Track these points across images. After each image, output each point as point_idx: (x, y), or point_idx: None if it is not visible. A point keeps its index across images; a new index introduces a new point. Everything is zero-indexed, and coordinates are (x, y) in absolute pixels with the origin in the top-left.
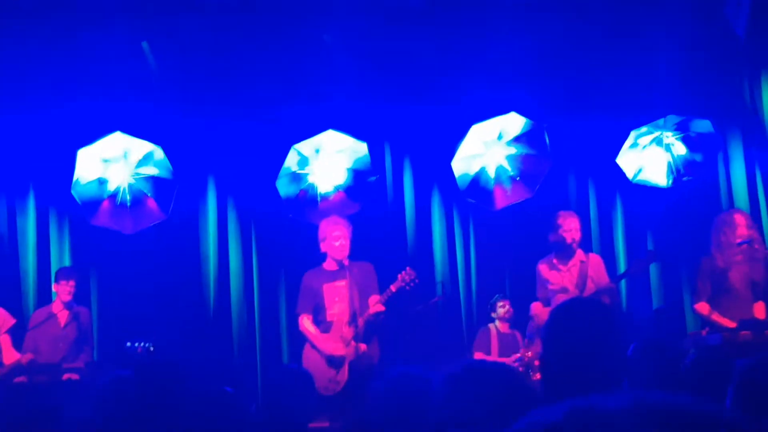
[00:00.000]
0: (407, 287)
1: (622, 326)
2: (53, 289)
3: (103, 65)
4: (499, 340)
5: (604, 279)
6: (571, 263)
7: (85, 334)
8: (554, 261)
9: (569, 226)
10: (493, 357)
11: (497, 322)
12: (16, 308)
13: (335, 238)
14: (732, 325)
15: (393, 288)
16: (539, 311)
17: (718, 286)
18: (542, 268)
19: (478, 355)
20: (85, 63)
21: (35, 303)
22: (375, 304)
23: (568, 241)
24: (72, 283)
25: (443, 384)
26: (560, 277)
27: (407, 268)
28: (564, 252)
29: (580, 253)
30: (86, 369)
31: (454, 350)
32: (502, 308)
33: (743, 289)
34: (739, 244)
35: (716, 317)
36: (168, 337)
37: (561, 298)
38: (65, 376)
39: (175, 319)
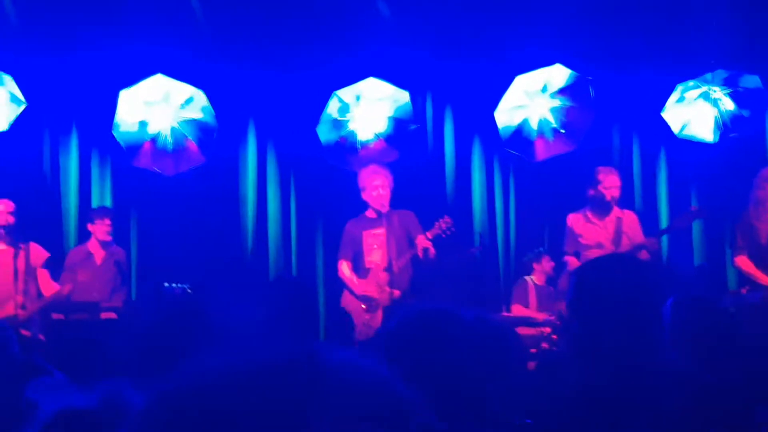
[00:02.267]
0: (443, 235)
1: (657, 284)
2: (89, 229)
3: (148, 7)
4: (537, 293)
5: (639, 236)
6: (607, 219)
7: (120, 274)
8: (589, 215)
9: (610, 183)
10: (532, 310)
11: (534, 276)
12: (57, 247)
13: (374, 188)
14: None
15: (429, 235)
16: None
17: (754, 243)
18: (575, 221)
19: (516, 308)
20: (130, 4)
21: (76, 242)
22: (421, 243)
23: (608, 198)
24: (107, 221)
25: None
26: (595, 232)
27: (445, 216)
28: (601, 207)
29: (616, 210)
30: (124, 308)
31: (491, 301)
32: (549, 263)
33: None
34: None
35: (756, 272)
36: (205, 279)
37: (595, 253)
38: (103, 315)
39: (212, 262)
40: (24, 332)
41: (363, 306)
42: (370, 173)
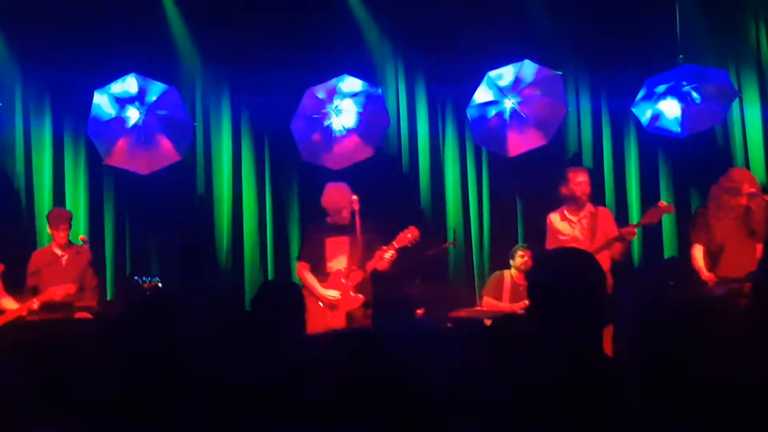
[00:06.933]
0: (409, 245)
1: (598, 270)
2: (50, 232)
3: (122, 7)
4: (512, 289)
5: (614, 230)
6: (581, 215)
7: (86, 274)
8: (565, 212)
9: (580, 180)
10: (505, 304)
11: (513, 270)
12: (30, 246)
13: (339, 206)
14: (710, 276)
15: (396, 244)
16: None
17: (710, 239)
18: (553, 219)
19: (486, 301)
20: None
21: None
22: (371, 267)
23: (578, 194)
24: (65, 223)
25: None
26: (571, 228)
27: (410, 227)
28: (575, 204)
29: (589, 206)
30: (98, 308)
31: (464, 296)
32: (521, 258)
33: (737, 240)
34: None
35: (701, 268)
36: (181, 276)
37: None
38: (77, 315)
39: (188, 261)
40: None
41: (327, 308)
42: (334, 192)
